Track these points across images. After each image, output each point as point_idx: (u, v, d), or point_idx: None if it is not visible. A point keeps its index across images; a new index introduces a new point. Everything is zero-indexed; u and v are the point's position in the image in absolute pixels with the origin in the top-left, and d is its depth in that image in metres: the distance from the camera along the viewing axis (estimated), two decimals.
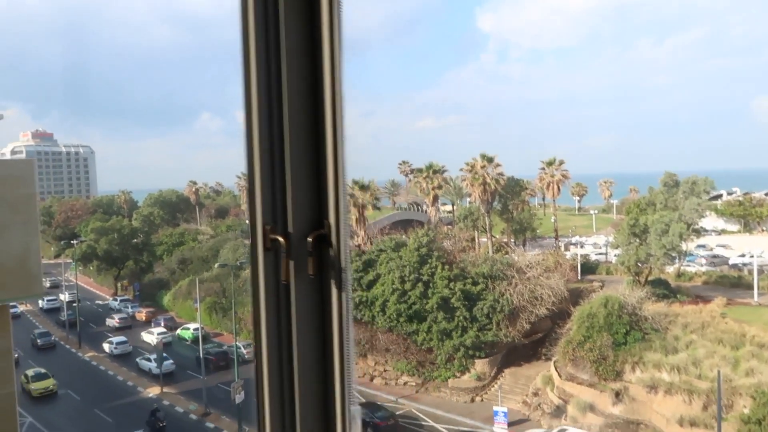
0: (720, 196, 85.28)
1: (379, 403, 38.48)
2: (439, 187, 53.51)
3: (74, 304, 61.86)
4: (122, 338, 54.41)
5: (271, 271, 1.80)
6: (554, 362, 38.14)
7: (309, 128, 1.85)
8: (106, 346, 53.45)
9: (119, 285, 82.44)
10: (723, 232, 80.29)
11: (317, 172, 1.85)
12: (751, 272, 47.39)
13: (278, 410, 1.90)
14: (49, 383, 43.23)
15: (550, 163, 57.55)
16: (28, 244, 6.93)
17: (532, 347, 42.86)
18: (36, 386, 42.68)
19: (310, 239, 1.80)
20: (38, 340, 55.49)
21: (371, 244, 49.11)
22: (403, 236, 49.73)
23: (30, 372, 44.34)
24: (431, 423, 36.39)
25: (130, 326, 61.04)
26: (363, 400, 37.69)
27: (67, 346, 56.94)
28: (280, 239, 1.78)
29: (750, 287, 45.40)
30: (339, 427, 1.91)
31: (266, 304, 1.82)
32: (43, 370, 44.67)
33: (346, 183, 1.95)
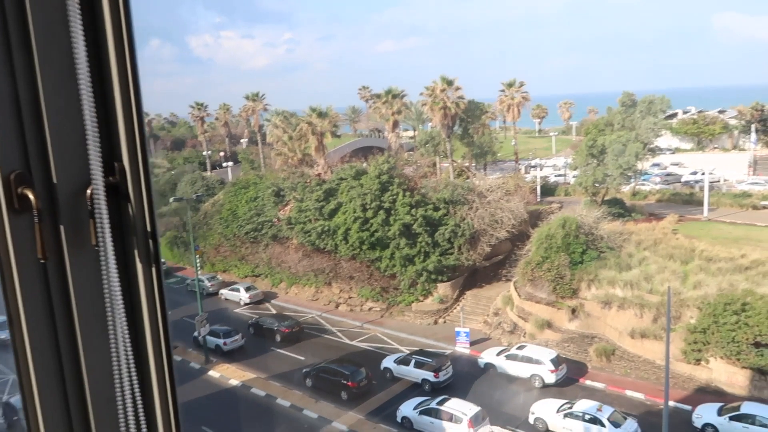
0: (675, 114, 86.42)
1: (286, 314, 41.69)
2: (399, 112, 52.44)
3: None
4: None
5: (30, 244, 1.25)
6: (514, 283, 39.10)
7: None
8: None
9: None
10: (677, 150, 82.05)
11: (102, 99, 1.31)
12: (702, 189, 48.76)
13: None
14: None
15: (510, 85, 56.80)
16: None
17: (492, 269, 43.76)
18: None
19: (88, 193, 1.26)
20: None
21: (331, 172, 48.36)
22: (364, 164, 49.09)
23: None
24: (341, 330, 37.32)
25: None
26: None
27: None
28: (31, 196, 1.21)
29: (701, 204, 46.85)
30: None
31: (24, 295, 1.25)
32: None
33: (144, 112, 1.37)
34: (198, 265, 43.38)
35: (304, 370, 32.66)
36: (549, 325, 35.25)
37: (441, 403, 26.95)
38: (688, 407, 27.15)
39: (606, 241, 36.70)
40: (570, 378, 31.02)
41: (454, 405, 26.72)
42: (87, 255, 1.29)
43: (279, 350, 37.07)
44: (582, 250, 35.96)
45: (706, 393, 28.29)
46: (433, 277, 41.26)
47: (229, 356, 36.60)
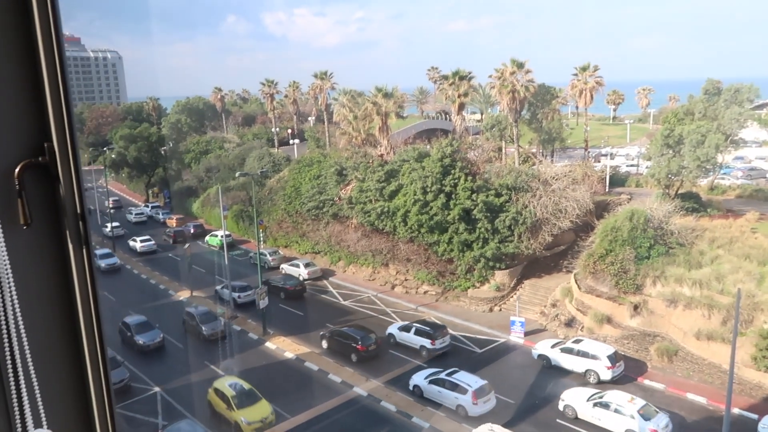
0: (766, 104, 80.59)
1: (292, 275, 46.18)
2: (465, 94, 51.51)
3: (110, 211, 65.06)
4: (147, 237, 58.67)
5: None
6: (575, 275, 38.03)
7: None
8: (131, 244, 57.75)
9: (150, 192, 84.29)
10: (765, 143, 76.70)
11: (33, 81, 1.33)
12: None
13: None
14: (267, 411, 26.07)
15: (584, 69, 54.52)
16: None
17: (553, 259, 42.72)
18: (250, 416, 25.50)
19: (17, 171, 1.27)
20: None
21: (394, 153, 48.37)
22: (428, 146, 48.76)
23: (228, 386, 27.14)
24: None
25: (144, 221, 68.01)
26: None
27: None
28: None
29: None
30: None
31: None
32: (245, 385, 27.46)
33: (71, 93, 1.40)
34: (261, 238, 44.69)
35: (322, 333, 35.09)
36: (609, 320, 34.14)
37: (450, 374, 28.43)
38: (755, 416, 25.72)
39: (676, 237, 35.00)
40: (627, 376, 30.01)
41: (462, 377, 28.06)
42: (16, 236, 1.31)
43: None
44: (649, 244, 34.48)
45: None
46: (490, 264, 40.74)
47: (280, 327, 37.67)
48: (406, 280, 44.22)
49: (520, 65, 49.78)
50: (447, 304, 41.40)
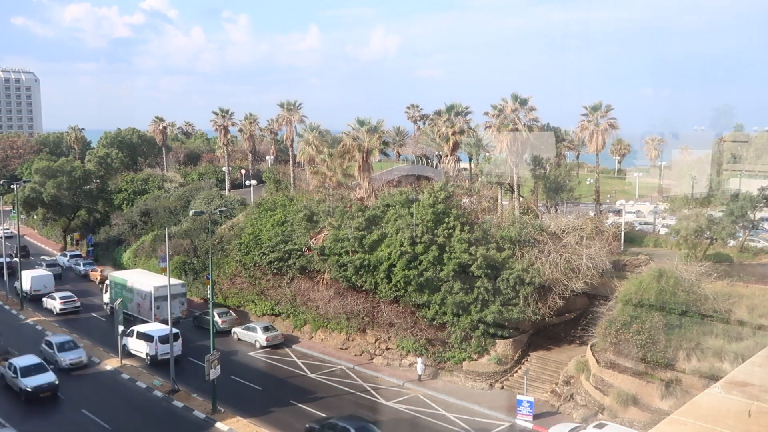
0: None
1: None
2: (461, 132, 52.06)
3: (15, 258, 62.19)
4: (68, 293, 56.38)
5: None
6: (591, 346, 37.76)
7: None
8: (49, 303, 55.71)
9: (69, 238, 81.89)
10: None
11: None
12: None
13: None
14: None
15: (594, 109, 56.04)
16: None
17: (564, 328, 42.53)
18: None
19: None
20: None
21: (376, 197, 48.24)
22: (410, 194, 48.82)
23: None
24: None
25: (59, 275, 65.23)
26: None
27: (7, 307, 56.65)
28: None
29: None
30: None
31: None
32: None
33: None
34: (213, 297, 43.35)
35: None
36: (635, 401, 33.75)
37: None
38: None
39: (712, 303, 35.25)
40: None
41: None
42: None
43: (301, 405, 36.47)
44: (681, 311, 34.62)
45: None
46: (491, 331, 40.23)
47: (234, 404, 36.07)
48: (387, 349, 43.28)
49: (523, 102, 50.77)
50: (438, 379, 40.46)
